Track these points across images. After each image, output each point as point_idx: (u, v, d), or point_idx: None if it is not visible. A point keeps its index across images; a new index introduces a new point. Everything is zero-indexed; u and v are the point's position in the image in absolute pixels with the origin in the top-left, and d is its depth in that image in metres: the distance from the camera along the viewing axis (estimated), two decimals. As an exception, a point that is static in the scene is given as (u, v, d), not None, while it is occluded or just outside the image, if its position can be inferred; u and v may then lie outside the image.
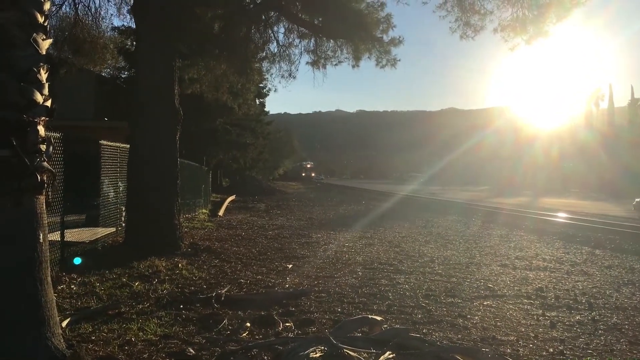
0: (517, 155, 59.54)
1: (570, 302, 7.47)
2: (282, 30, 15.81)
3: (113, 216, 12.62)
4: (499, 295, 7.86)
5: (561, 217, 20.72)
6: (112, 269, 8.93)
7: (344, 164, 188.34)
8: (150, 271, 9.03)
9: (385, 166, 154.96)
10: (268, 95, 50.03)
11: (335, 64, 15.63)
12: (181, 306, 6.77)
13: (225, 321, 6.10)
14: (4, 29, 4.21)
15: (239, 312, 6.58)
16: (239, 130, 42.76)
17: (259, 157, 56.87)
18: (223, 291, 7.50)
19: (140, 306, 6.72)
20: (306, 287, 8.26)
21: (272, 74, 17.05)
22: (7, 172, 4.14)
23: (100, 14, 16.66)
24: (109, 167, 12.19)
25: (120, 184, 12.77)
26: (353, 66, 15.26)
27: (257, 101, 47.86)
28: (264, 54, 16.28)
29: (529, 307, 7.17)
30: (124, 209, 12.54)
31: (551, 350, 5.37)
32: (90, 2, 15.87)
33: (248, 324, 5.98)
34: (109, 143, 12.16)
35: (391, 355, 4.53)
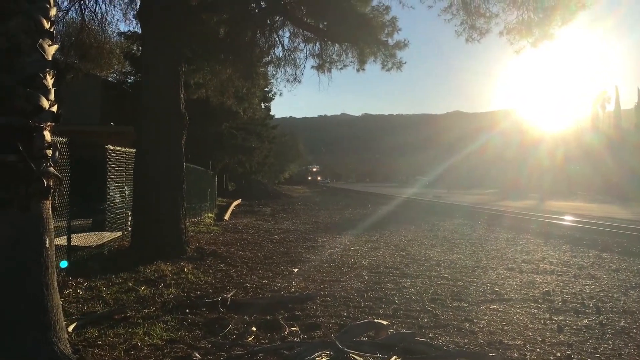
0: (523, 158, 59.31)
1: (578, 305, 7.42)
2: (287, 34, 15.86)
3: (119, 221, 12.65)
4: (505, 299, 7.82)
5: (568, 220, 20.61)
6: (119, 273, 8.95)
7: (350, 167, 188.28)
8: (156, 275, 9.04)
9: (391, 169, 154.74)
10: (273, 99, 50.11)
11: (341, 68, 15.66)
12: (187, 310, 6.77)
13: (231, 325, 6.10)
14: (10, 35, 4.23)
15: (245, 317, 6.57)
16: (244, 135, 42.81)
17: (264, 161, 56.94)
18: (229, 295, 7.50)
19: (146, 310, 6.72)
20: (312, 291, 8.24)
21: (277, 78, 17.09)
22: (13, 177, 4.17)
23: (106, 19, 16.72)
24: (115, 172, 12.23)
25: (127, 189, 12.80)
26: (358, 70, 15.29)
27: (263, 105, 47.98)
28: (269, 58, 16.33)
29: (536, 311, 7.13)
30: (130, 213, 12.57)
31: (558, 354, 5.33)
32: (97, 8, 15.97)
33: (254, 329, 5.97)
34: (115, 148, 12.19)
35: (397, 360, 4.52)
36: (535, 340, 5.79)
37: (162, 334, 5.77)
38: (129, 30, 28.83)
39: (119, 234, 12.35)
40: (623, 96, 72.14)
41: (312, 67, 15.87)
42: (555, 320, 6.64)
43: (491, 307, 7.26)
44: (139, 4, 13.04)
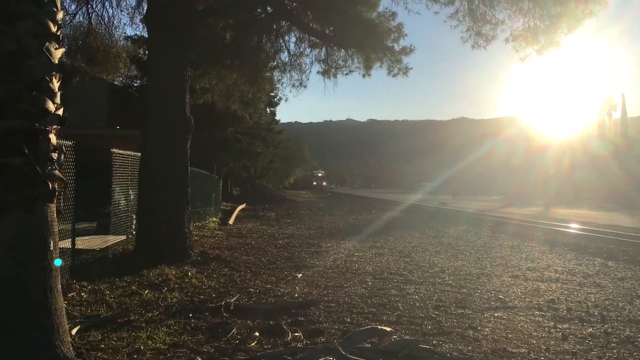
0: (529, 164, 59.20)
1: (583, 314, 7.38)
2: (293, 39, 15.87)
3: (124, 224, 12.68)
4: (510, 306, 7.79)
5: (573, 227, 20.54)
6: (122, 276, 8.96)
7: (355, 172, 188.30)
8: (160, 279, 9.04)
9: (396, 175, 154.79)
10: (279, 104, 50.20)
11: (346, 73, 15.64)
12: (190, 315, 6.77)
13: (234, 330, 6.09)
14: (17, 38, 4.26)
15: (248, 321, 6.56)
16: (249, 139, 42.92)
17: (269, 165, 57.04)
18: (232, 300, 7.49)
19: (150, 314, 6.72)
20: (315, 296, 8.22)
21: (283, 83, 17.09)
22: (19, 180, 4.18)
23: (113, 23, 16.80)
24: (120, 175, 12.27)
25: (131, 192, 12.83)
26: (364, 75, 15.29)
27: (268, 110, 48.02)
28: (275, 63, 16.34)
29: (540, 319, 7.09)
30: (134, 217, 12.60)
31: (563, 363, 5.30)
32: (104, 12, 16.04)
33: (257, 334, 5.97)
34: (121, 151, 12.24)
35: (400, 367, 4.50)
36: (539, 348, 5.76)
37: (165, 338, 5.76)
38: (136, 34, 28.91)
39: (124, 237, 12.38)
40: (630, 104, 71.81)
41: (318, 72, 15.87)
42: (559, 328, 6.60)
43: (495, 315, 7.23)
44: (145, 8, 13.11)
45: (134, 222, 12.66)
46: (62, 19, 4.73)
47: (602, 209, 38.24)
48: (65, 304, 5.10)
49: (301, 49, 15.88)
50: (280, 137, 60.13)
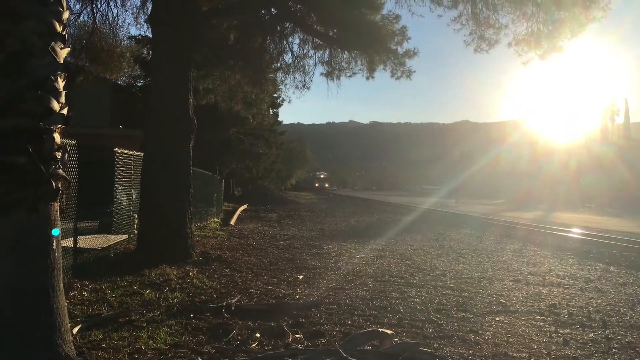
0: (533, 169, 59.08)
1: (584, 319, 7.36)
2: (296, 41, 15.89)
3: (126, 224, 12.69)
4: (511, 310, 7.78)
5: (576, 232, 20.48)
6: (124, 276, 8.98)
7: (357, 175, 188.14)
8: (161, 279, 9.05)
9: (398, 178, 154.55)
10: (282, 105, 50.08)
11: (350, 76, 15.67)
12: (191, 315, 6.78)
13: (235, 331, 6.10)
14: (22, 38, 4.27)
15: (249, 323, 6.57)
16: (252, 140, 42.94)
17: (271, 166, 57.12)
18: (233, 301, 7.50)
19: (151, 314, 6.73)
20: (316, 298, 8.23)
21: (286, 85, 17.12)
22: (22, 179, 4.19)
23: (117, 23, 16.84)
24: (123, 175, 12.28)
25: (134, 192, 12.85)
26: (367, 77, 15.29)
27: (271, 111, 48.02)
28: (279, 65, 16.37)
29: (541, 323, 7.09)
30: (136, 216, 12.62)
31: (564, 368, 5.29)
32: (108, 11, 16.06)
33: (258, 335, 5.97)
34: (123, 151, 12.26)
35: (401, 370, 4.50)
36: (540, 353, 5.75)
37: (166, 338, 5.77)
38: (140, 34, 28.98)
39: (125, 237, 12.40)
40: (632, 109, 71.63)
41: (321, 74, 15.90)
42: (561, 333, 6.59)
43: (496, 319, 7.22)
44: (150, 8, 13.14)
45: (136, 221, 12.68)
46: (67, 18, 4.73)
47: (605, 213, 38.12)
48: (67, 302, 5.11)
49: (305, 51, 15.93)
50: (282, 138, 60.21)
